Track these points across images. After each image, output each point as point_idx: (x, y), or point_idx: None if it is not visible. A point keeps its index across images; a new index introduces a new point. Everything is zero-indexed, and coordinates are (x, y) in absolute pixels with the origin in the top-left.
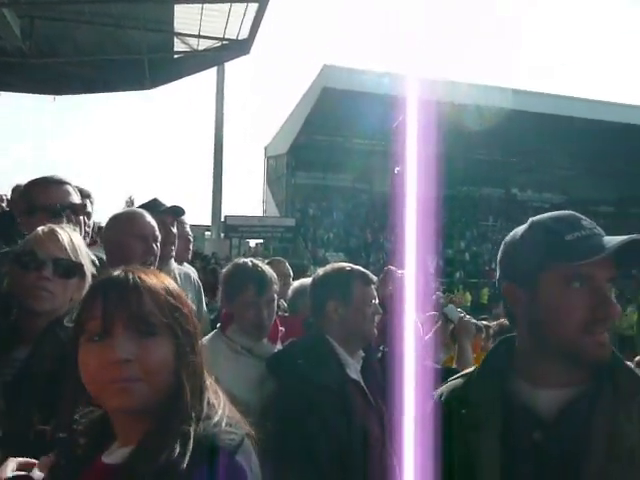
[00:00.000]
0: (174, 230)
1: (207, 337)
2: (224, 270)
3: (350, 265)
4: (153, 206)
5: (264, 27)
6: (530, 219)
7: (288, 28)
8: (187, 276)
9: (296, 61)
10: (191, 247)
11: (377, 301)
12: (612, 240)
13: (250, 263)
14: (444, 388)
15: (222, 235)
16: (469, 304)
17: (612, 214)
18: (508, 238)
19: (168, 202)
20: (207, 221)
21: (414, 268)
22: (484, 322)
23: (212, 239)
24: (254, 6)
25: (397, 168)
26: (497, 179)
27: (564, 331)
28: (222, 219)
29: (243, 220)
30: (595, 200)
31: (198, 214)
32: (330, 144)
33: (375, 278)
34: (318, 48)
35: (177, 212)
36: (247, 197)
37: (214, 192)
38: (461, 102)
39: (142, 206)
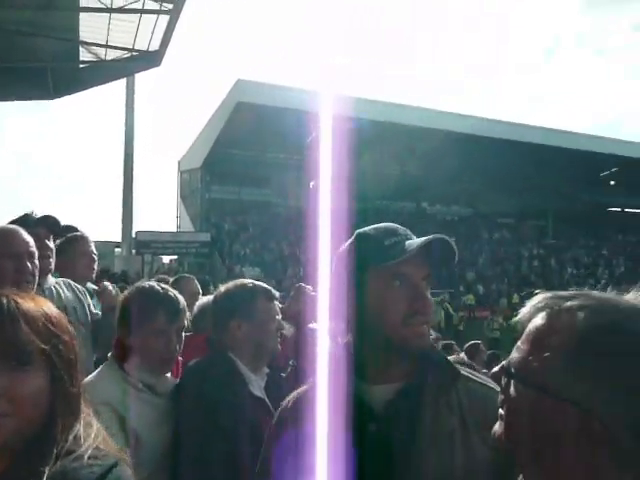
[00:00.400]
0: (50, 244)
1: (100, 371)
2: (125, 295)
3: (252, 281)
4: (24, 221)
5: (177, 39)
6: (356, 231)
7: (202, 41)
8: (67, 283)
9: (210, 75)
10: (95, 266)
11: (280, 317)
12: (418, 242)
13: (159, 287)
14: (292, 395)
15: (133, 251)
16: None
17: (513, 225)
18: (339, 251)
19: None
20: (118, 237)
21: (328, 281)
22: None
23: (122, 256)
24: (165, 18)
25: (312, 182)
26: (408, 193)
27: (387, 325)
28: (133, 235)
29: (155, 235)
30: (498, 213)
31: (108, 230)
32: (245, 158)
33: (278, 294)
34: (232, 62)
35: (50, 224)
36: (160, 212)
37: (124, 207)
38: (375, 119)
39: (13, 222)
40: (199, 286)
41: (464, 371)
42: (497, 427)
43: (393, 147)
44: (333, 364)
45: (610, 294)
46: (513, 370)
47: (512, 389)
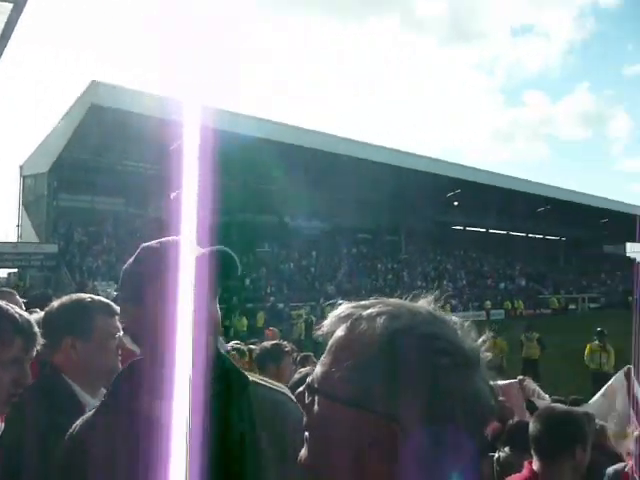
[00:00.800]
0: None
1: None
2: None
3: (90, 296)
4: None
5: (20, 31)
6: (141, 245)
7: (51, 36)
8: None
9: (60, 73)
10: None
11: (122, 333)
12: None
13: (7, 305)
14: (78, 421)
15: None
16: (245, 329)
17: (370, 241)
18: (125, 265)
19: None
20: None
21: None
22: (252, 346)
23: None
24: (7, 6)
25: (173, 193)
26: (271, 207)
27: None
28: None
29: None
30: (357, 228)
31: None
32: (99, 165)
33: (119, 309)
34: (87, 63)
35: None
36: None
37: None
38: (241, 132)
39: None
40: (21, 303)
41: (253, 377)
42: (303, 452)
43: (257, 161)
44: (119, 383)
45: (405, 301)
46: (316, 385)
47: (316, 406)
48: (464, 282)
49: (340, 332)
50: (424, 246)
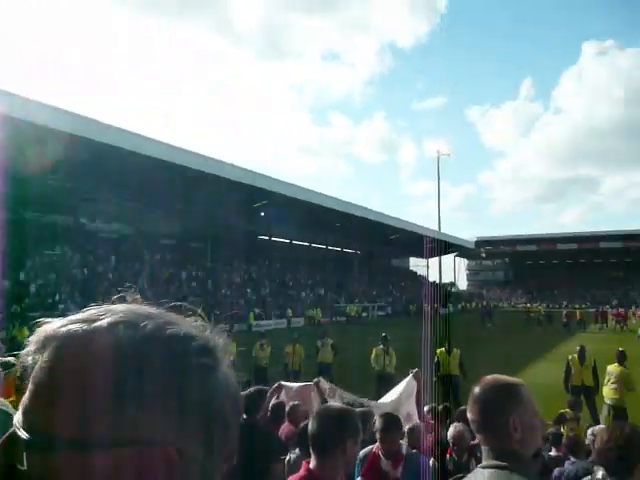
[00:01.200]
0: None
1: None
2: None
3: None
4: None
5: None
6: None
7: None
8: None
9: None
10: None
11: None
12: None
13: None
14: None
15: None
16: (27, 340)
17: (175, 246)
18: None
19: None
20: None
21: None
22: None
23: None
24: None
25: None
26: (65, 207)
27: None
28: None
29: None
30: (162, 233)
31: None
32: None
33: None
34: None
35: None
36: None
37: None
38: (32, 122)
39: None
40: None
41: None
42: None
43: (54, 155)
44: None
45: (130, 305)
46: (40, 439)
47: (45, 467)
48: (267, 291)
49: (63, 359)
50: (230, 254)
